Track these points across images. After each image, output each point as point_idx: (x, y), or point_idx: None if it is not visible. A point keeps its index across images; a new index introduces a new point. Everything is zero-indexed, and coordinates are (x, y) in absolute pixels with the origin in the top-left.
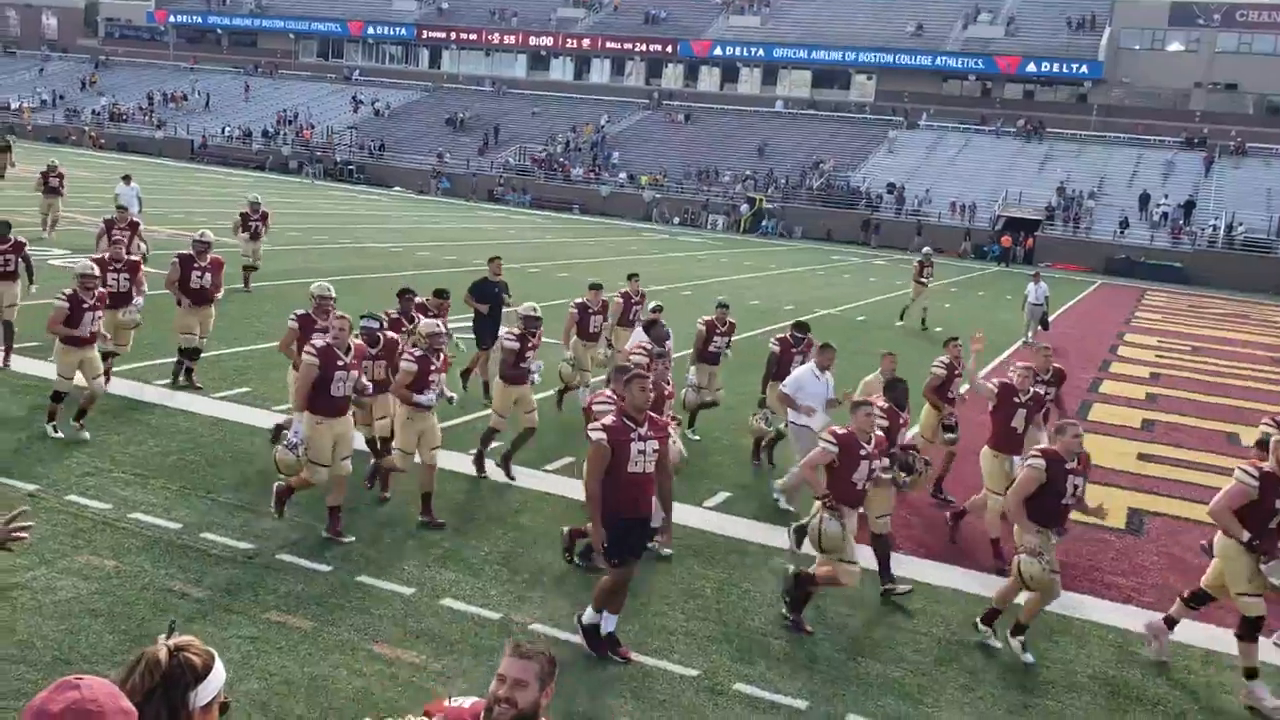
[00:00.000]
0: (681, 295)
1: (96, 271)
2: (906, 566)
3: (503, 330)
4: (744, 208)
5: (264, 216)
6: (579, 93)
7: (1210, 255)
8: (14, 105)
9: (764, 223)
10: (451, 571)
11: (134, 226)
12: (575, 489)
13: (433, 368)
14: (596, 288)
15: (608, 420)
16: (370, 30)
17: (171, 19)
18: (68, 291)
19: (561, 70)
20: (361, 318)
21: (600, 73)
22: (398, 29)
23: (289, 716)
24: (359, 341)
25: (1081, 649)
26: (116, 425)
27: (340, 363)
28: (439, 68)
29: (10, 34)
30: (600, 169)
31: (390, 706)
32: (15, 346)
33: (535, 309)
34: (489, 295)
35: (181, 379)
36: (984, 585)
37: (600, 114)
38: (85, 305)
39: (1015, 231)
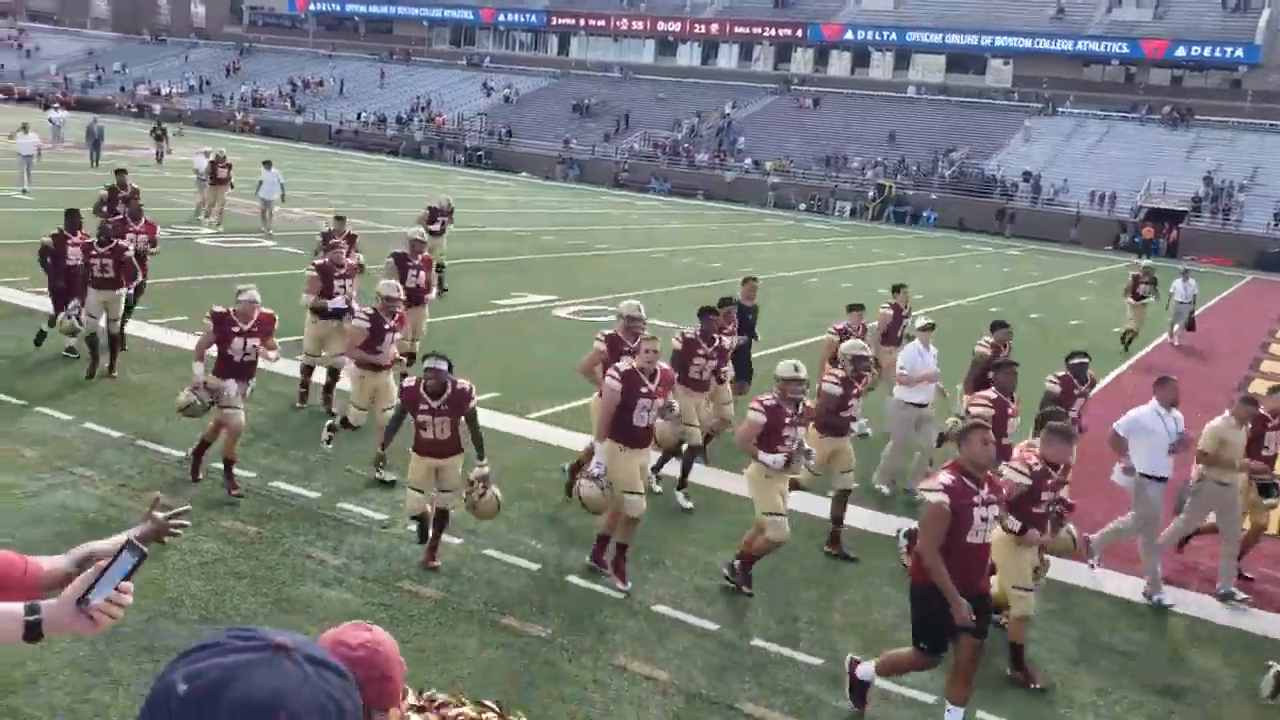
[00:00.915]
0: (808, 283)
1: (399, 294)
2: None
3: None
4: (873, 194)
5: (450, 213)
6: (706, 78)
7: None
8: (163, 91)
9: (906, 210)
10: (576, 549)
11: (351, 239)
12: (696, 472)
13: (387, 327)
14: (857, 309)
15: (946, 479)
16: (501, 17)
17: (312, 6)
18: (369, 310)
19: (689, 55)
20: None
21: (728, 58)
22: (528, 16)
23: (419, 682)
24: (655, 367)
25: (1226, 655)
26: (262, 399)
27: (645, 389)
28: (568, 54)
29: (161, 22)
30: (726, 154)
31: (517, 679)
32: (156, 319)
33: (864, 348)
34: (742, 325)
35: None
36: (1119, 587)
37: (727, 99)
38: (387, 327)
39: (1159, 223)
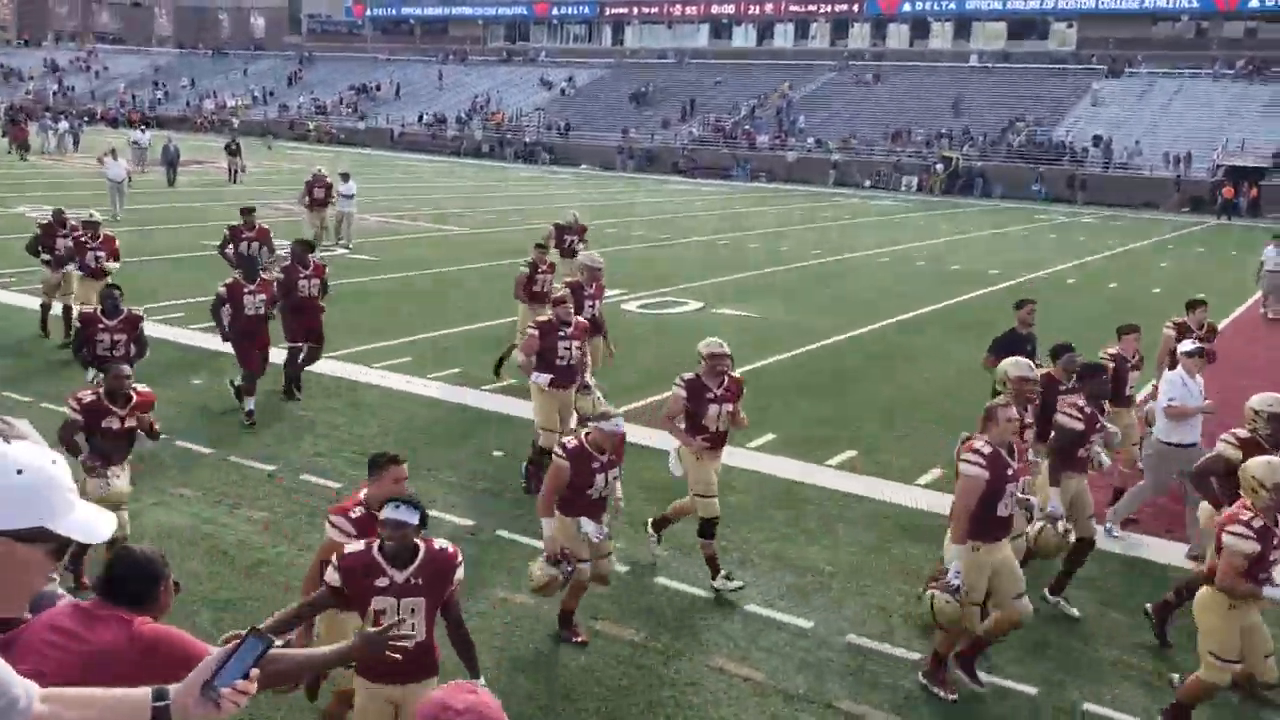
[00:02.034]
0: (878, 261)
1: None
2: (1134, 546)
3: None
4: (939, 167)
5: (581, 232)
6: (763, 58)
7: None
8: (230, 103)
9: (976, 182)
10: (663, 549)
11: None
12: (776, 466)
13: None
14: (1130, 331)
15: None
16: (555, 11)
17: (368, 12)
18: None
19: (744, 37)
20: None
21: (784, 37)
22: (581, 8)
23: (518, 692)
24: None
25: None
26: (341, 407)
27: (1009, 471)
28: (622, 43)
29: (222, 35)
30: (786, 135)
31: (615, 685)
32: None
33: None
34: (1018, 354)
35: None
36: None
37: (785, 79)
38: (561, 335)
39: (1238, 181)
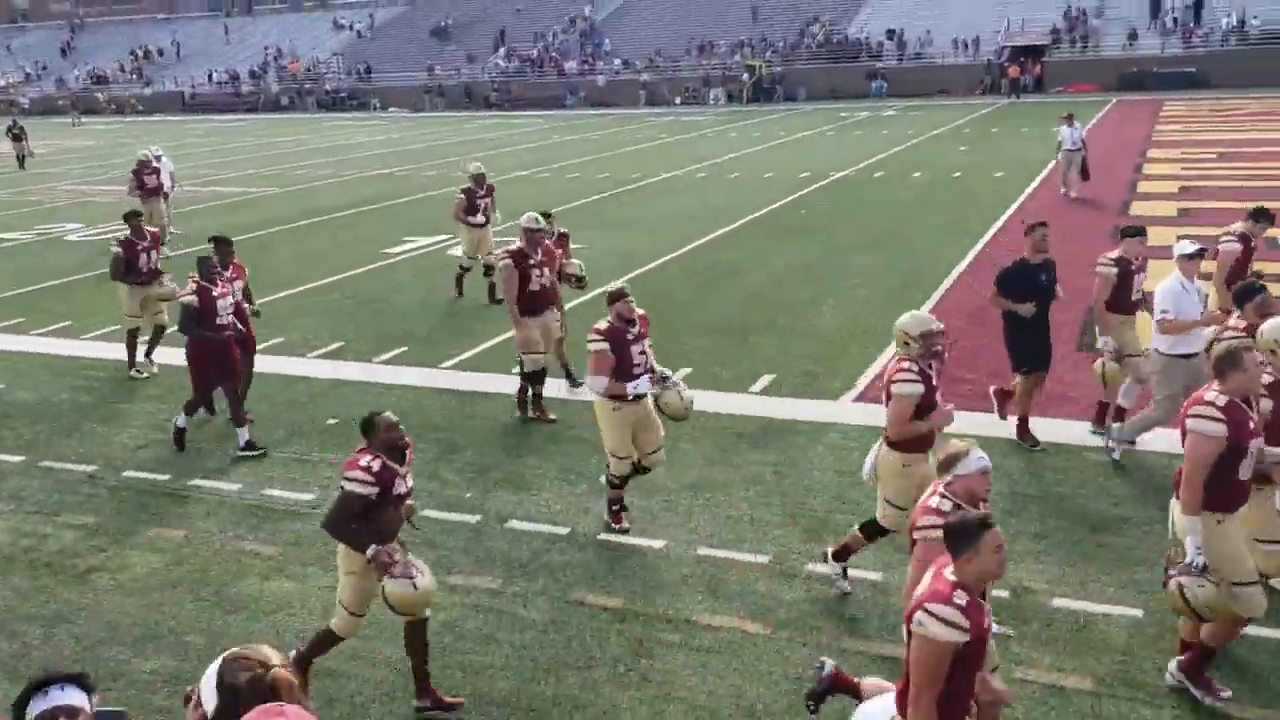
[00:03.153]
0: (697, 177)
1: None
2: (962, 421)
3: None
4: (744, 77)
5: (490, 191)
6: None
7: (1226, 54)
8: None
9: (778, 88)
10: (512, 494)
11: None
12: None
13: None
14: (1134, 234)
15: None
16: None
17: None
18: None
19: None
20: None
21: None
22: None
23: (379, 658)
24: None
25: (1147, 479)
26: (163, 394)
27: (1251, 425)
28: None
29: None
30: (593, 59)
31: (477, 634)
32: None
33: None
34: (1034, 287)
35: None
36: (1038, 429)
37: (584, 2)
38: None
39: (1021, 60)
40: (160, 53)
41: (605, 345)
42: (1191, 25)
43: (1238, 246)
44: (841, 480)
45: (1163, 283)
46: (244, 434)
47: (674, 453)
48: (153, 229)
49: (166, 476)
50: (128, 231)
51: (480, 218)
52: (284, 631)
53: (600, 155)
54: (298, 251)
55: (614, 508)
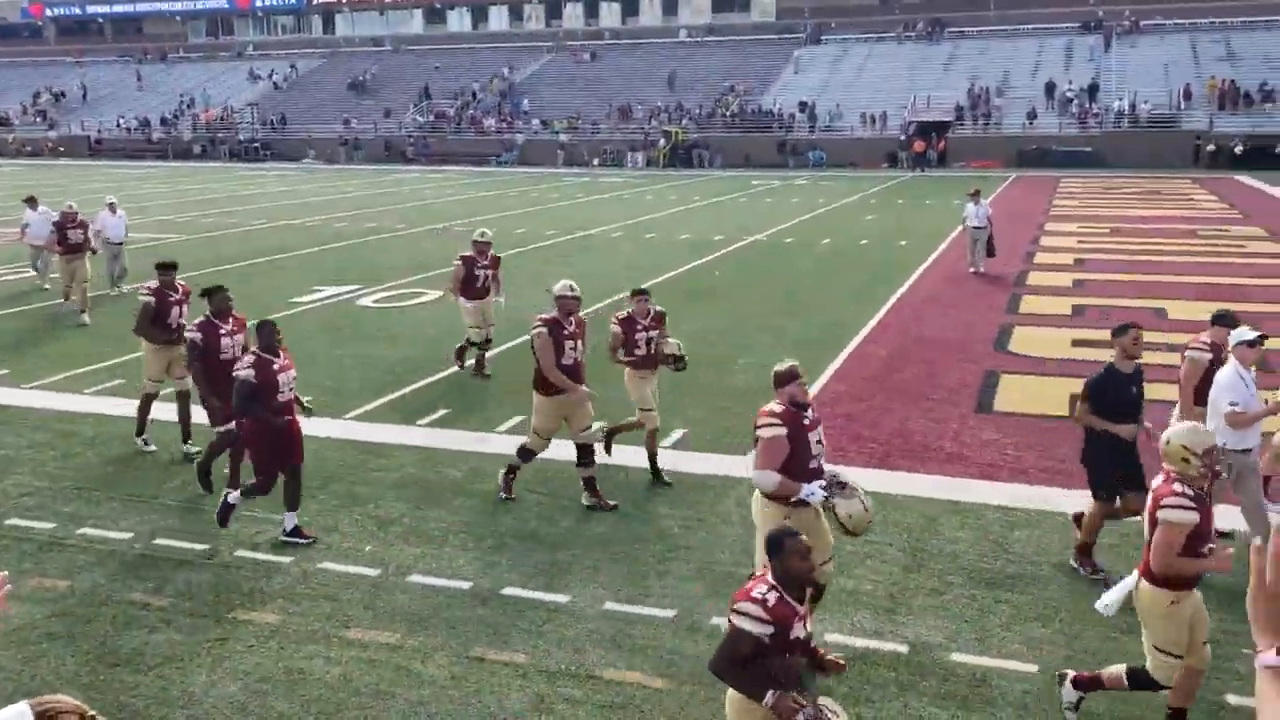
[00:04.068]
0: (613, 236)
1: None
2: (862, 479)
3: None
4: (661, 142)
5: (496, 263)
6: (479, 42)
7: (1118, 135)
8: None
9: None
10: (414, 547)
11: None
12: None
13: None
14: (1225, 321)
15: None
16: (259, 2)
17: (48, 12)
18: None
19: (459, 21)
20: None
21: (499, 19)
22: None
23: (270, 714)
24: None
25: (1041, 538)
26: (50, 440)
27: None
28: (333, 32)
29: None
30: (512, 118)
31: (373, 690)
32: None
33: None
34: (1126, 401)
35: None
36: (938, 488)
37: (503, 62)
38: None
39: (927, 135)
40: (64, 95)
41: (783, 431)
42: (1087, 107)
43: (1208, 356)
44: (749, 534)
45: (1221, 374)
46: (292, 519)
47: (582, 509)
48: (185, 285)
49: (51, 525)
50: (156, 282)
51: (479, 287)
52: (170, 686)
53: (516, 212)
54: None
55: None
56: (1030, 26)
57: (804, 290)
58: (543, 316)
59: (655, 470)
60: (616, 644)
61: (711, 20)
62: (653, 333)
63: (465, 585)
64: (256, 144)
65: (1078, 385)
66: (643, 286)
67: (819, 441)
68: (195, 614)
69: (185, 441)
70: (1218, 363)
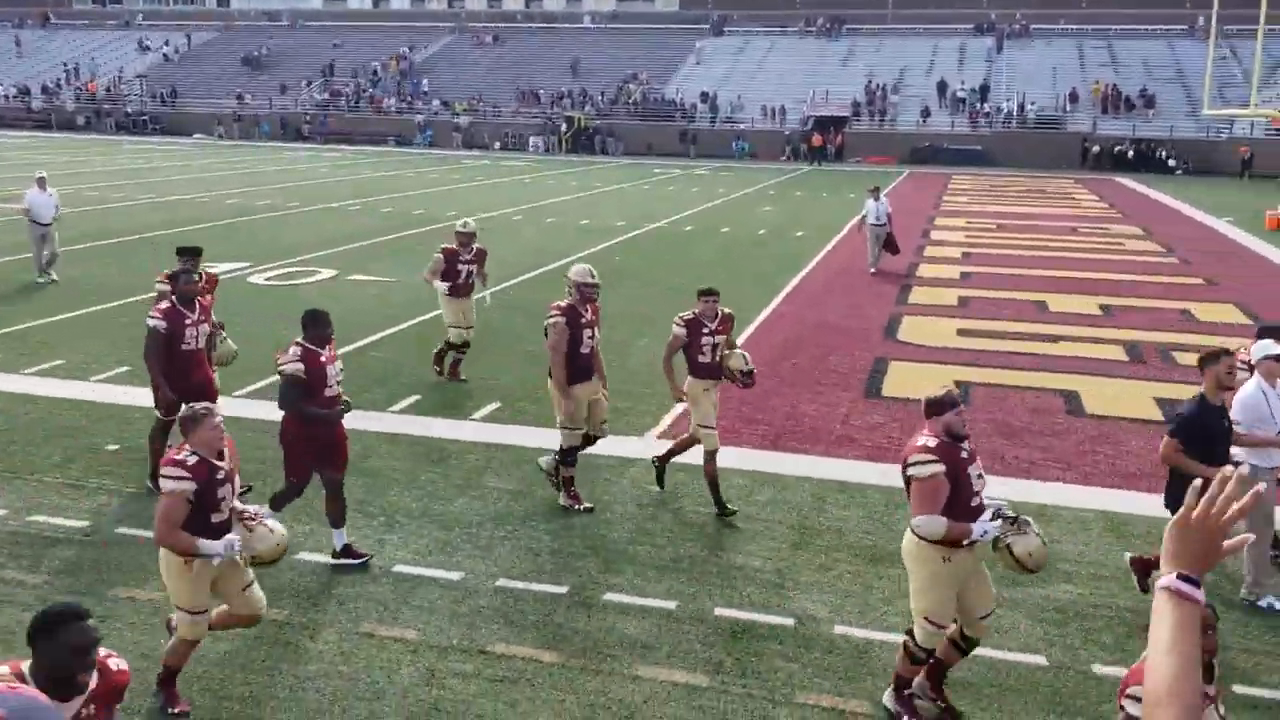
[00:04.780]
0: (513, 220)
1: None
2: (754, 460)
3: None
4: (563, 127)
5: (482, 257)
6: (380, 20)
7: (1007, 135)
8: None
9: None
10: (304, 524)
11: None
12: (421, 427)
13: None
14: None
15: None
16: None
17: None
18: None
19: None
20: None
21: None
22: None
23: (146, 692)
24: None
25: None
26: None
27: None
28: (228, 5)
29: None
30: (412, 98)
31: (259, 666)
32: None
33: None
34: (1217, 435)
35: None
36: (826, 469)
37: (404, 41)
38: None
39: (825, 130)
40: None
41: (941, 469)
42: (978, 107)
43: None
44: (643, 513)
45: (1243, 389)
46: (341, 536)
47: (478, 487)
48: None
49: None
50: (170, 300)
51: (460, 282)
52: None
53: (415, 193)
54: (84, 273)
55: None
56: (925, 26)
57: (703, 277)
58: (559, 304)
59: (718, 499)
60: (508, 620)
61: (616, 7)
62: (719, 338)
63: (355, 562)
64: (145, 117)
65: (962, 372)
66: (710, 286)
67: (979, 475)
68: (74, 591)
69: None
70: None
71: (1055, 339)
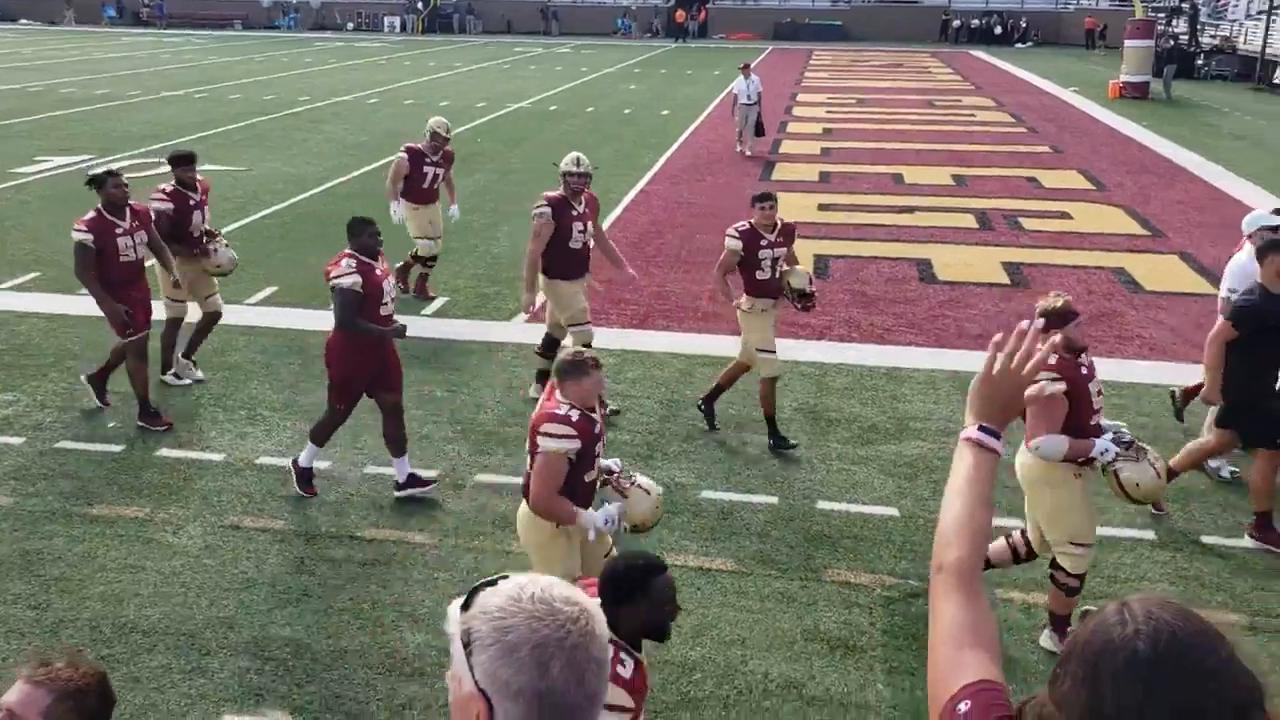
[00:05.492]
0: (369, 103)
1: None
2: (623, 339)
3: None
4: (420, 6)
5: (450, 160)
6: None
7: (866, 10)
8: None
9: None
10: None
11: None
12: (279, 318)
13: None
14: None
15: None
16: None
17: None
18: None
19: None
20: None
21: None
22: None
23: (6, 596)
24: None
25: (784, 385)
26: None
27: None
28: None
29: None
30: None
31: (120, 564)
32: None
33: None
34: (1274, 329)
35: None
36: (693, 344)
37: None
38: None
39: (688, 6)
40: None
41: (1061, 386)
42: None
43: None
44: (512, 395)
45: (1236, 257)
46: (404, 465)
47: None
48: (204, 180)
49: None
50: (172, 182)
51: (425, 189)
52: None
53: (265, 78)
54: None
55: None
56: None
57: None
58: (548, 194)
59: (775, 433)
60: (377, 505)
61: None
62: (779, 250)
63: (218, 457)
64: None
65: (822, 245)
66: (768, 192)
67: (1099, 392)
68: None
69: (168, 370)
70: None
71: (911, 209)
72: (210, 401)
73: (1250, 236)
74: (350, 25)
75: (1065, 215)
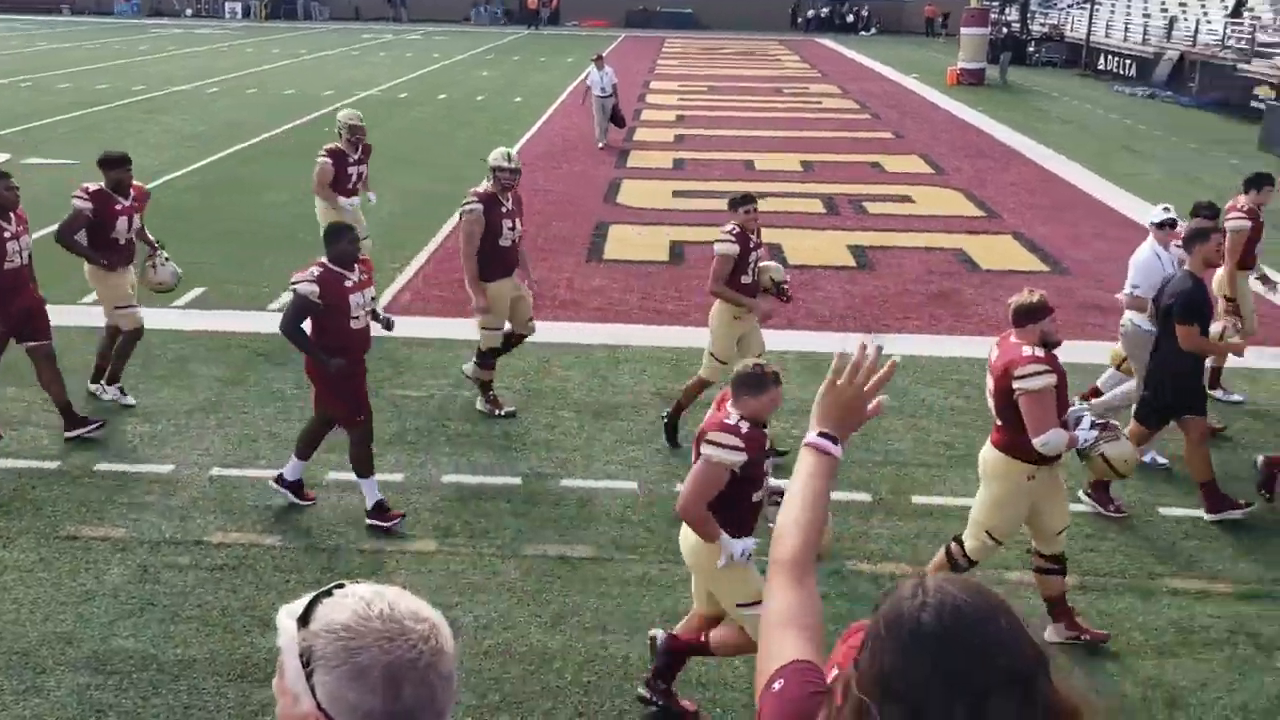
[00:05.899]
0: (209, 92)
1: None
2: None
3: None
4: None
5: (366, 153)
6: None
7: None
8: None
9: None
10: None
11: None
12: None
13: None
14: (1268, 182)
15: None
16: None
17: None
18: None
19: None
20: None
21: None
22: None
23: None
24: None
25: (641, 370)
26: None
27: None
28: None
29: None
30: None
31: None
32: None
33: None
34: (1207, 314)
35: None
36: (551, 332)
37: None
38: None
39: None
40: None
41: (1054, 379)
42: None
43: (1247, 224)
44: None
45: (1138, 252)
46: (371, 488)
47: (182, 375)
48: (140, 186)
49: None
50: (101, 183)
51: (350, 188)
52: None
53: (97, 66)
54: None
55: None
56: None
57: (423, 144)
58: (478, 190)
59: (674, 427)
60: (225, 509)
61: None
62: (760, 252)
63: (52, 465)
64: None
65: (677, 232)
66: (749, 194)
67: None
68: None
69: (98, 381)
70: (1258, 227)
71: (761, 196)
72: (42, 407)
73: (1154, 232)
74: (189, 11)
75: (907, 199)
